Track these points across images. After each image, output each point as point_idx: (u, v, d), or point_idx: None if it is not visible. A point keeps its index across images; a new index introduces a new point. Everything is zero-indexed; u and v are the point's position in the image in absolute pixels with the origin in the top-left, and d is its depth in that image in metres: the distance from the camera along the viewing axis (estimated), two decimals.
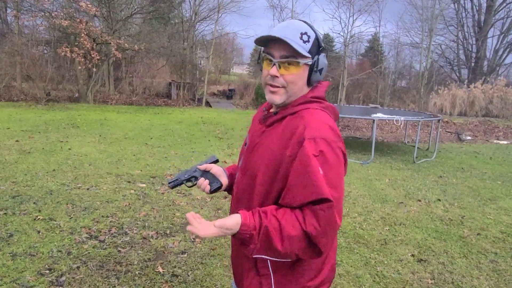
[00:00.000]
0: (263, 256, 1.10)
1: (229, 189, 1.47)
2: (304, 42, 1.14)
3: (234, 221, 1.07)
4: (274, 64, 1.15)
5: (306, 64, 1.16)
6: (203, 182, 1.39)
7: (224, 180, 1.44)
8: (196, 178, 1.44)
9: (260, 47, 1.22)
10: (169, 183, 1.50)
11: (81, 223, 3.68)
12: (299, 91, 1.20)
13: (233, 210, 1.33)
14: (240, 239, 1.09)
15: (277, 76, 1.16)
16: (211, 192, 1.42)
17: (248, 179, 1.22)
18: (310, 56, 1.15)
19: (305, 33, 1.15)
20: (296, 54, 1.13)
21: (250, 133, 1.37)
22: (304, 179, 1.04)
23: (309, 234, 1.03)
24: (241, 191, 1.28)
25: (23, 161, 5.78)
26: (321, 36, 1.21)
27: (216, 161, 1.50)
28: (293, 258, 1.11)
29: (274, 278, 1.19)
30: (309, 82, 1.20)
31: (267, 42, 1.18)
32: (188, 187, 1.47)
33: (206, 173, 1.45)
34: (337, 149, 1.10)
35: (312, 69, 1.17)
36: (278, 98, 1.19)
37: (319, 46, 1.18)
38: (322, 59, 1.18)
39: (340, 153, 1.11)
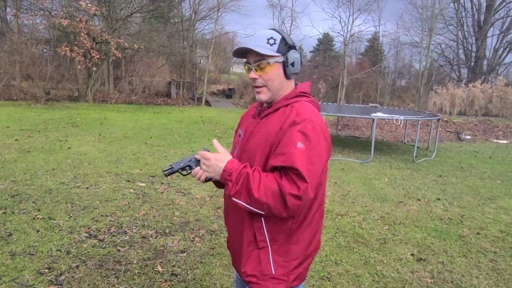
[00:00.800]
0: (240, 202, 1.26)
1: (217, 182, 1.56)
2: (271, 45, 1.34)
3: (219, 158, 1.33)
4: (251, 69, 1.37)
5: (277, 62, 1.35)
6: (199, 170, 1.46)
7: None
8: (191, 167, 1.46)
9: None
10: (164, 170, 1.53)
11: (81, 222, 3.68)
12: (280, 86, 1.39)
13: (227, 196, 1.46)
14: (222, 179, 1.31)
15: (256, 78, 1.37)
16: (206, 180, 1.45)
17: (246, 160, 1.37)
18: (279, 54, 1.35)
19: (271, 38, 1.35)
20: (265, 56, 1.34)
21: (243, 126, 1.55)
22: (285, 148, 1.25)
23: (282, 188, 1.20)
24: None
25: (22, 160, 5.78)
26: (288, 36, 1.39)
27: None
28: (265, 211, 1.24)
29: (271, 249, 1.35)
30: (286, 76, 1.38)
31: (245, 55, 1.40)
32: (183, 175, 1.51)
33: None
34: (321, 132, 1.28)
35: (285, 64, 1.36)
36: (263, 96, 1.40)
37: (287, 44, 1.36)
38: (292, 54, 1.36)
39: (322, 137, 1.28)
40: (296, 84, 1.45)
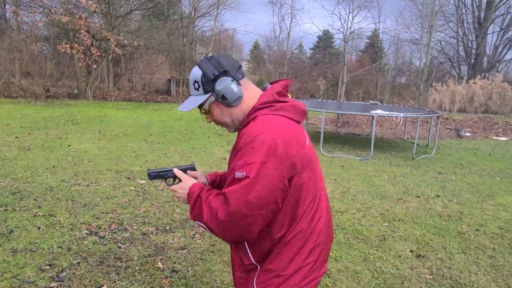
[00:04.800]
0: (200, 223, 1.27)
1: None
2: (197, 89, 1.30)
3: (183, 185, 1.37)
4: (201, 114, 1.39)
5: (211, 102, 1.30)
6: (175, 189, 1.44)
7: None
8: (180, 180, 1.44)
9: None
10: (150, 172, 1.50)
11: (81, 219, 3.70)
12: (232, 117, 1.32)
13: None
14: (188, 203, 1.33)
15: (211, 120, 1.38)
16: None
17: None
18: (208, 94, 1.28)
19: (195, 82, 1.30)
20: (199, 105, 1.32)
21: None
22: (229, 173, 1.25)
23: (216, 212, 1.20)
24: None
25: (22, 158, 5.79)
26: (209, 67, 1.26)
27: (192, 169, 1.53)
28: (215, 234, 1.25)
29: (258, 271, 1.31)
30: (230, 107, 1.30)
31: None
32: (168, 184, 1.49)
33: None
34: (269, 150, 1.14)
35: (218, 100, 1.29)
36: (229, 130, 1.38)
37: (210, 78, 1.26)
38: (217, 87, 1.25)
39: (269, 155, 1.14)
40: (265, 88, 1.34)
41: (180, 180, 1.44)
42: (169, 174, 1.48)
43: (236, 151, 1.22)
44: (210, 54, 1.33)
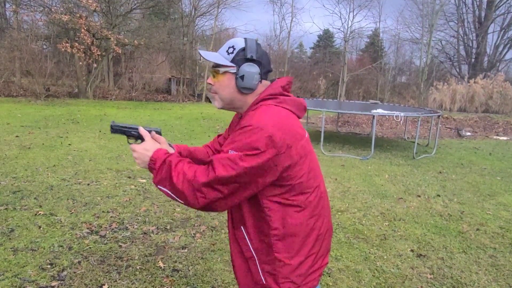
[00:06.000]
0: (165, 190, 1.25)
1: None
2: (228, 54, 1.31)
3: (146, 147, 1.33)
4: (210, 73, 1.37)
5: (229, 72, 1.31)
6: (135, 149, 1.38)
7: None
8: (143, 140, 1.39)
9: None
10: (113, 124, 1.43)
11: (82, 218, 3.70)
12: (231, 97, 1.34)
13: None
14: (149, 168, 1.31)
15: (211, 84, 1.36)
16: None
17: None
18: (232, 65, 1.30)
19: (232, 46, 1.32)
20: (218, 64, 1.31)
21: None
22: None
23: (195, 175, 1.19)
24: None
25: (23, 157, 5.79)
26: (255, 48, 1.31)
27: (158, 133, 1.46)
28: (183, 199, 1.23)
29: (258, 259, 1.31)
30: (237, 89, 1.32)
31: None
32: (129, 143, 1.42)
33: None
34: (267, 141, 1.16)
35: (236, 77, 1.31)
36: (216, 103, 1.38)
37: (246, 55, 1.29)
38: (245, 67, 1.29)
39: (267, 146, 1.16)
40: (272, 81, 1.38)
41: (142, 141, 1.39)
42: (132, 132, 1.42)
43: (233, 133, 1.24)
44: (258, 42, 1.37)
